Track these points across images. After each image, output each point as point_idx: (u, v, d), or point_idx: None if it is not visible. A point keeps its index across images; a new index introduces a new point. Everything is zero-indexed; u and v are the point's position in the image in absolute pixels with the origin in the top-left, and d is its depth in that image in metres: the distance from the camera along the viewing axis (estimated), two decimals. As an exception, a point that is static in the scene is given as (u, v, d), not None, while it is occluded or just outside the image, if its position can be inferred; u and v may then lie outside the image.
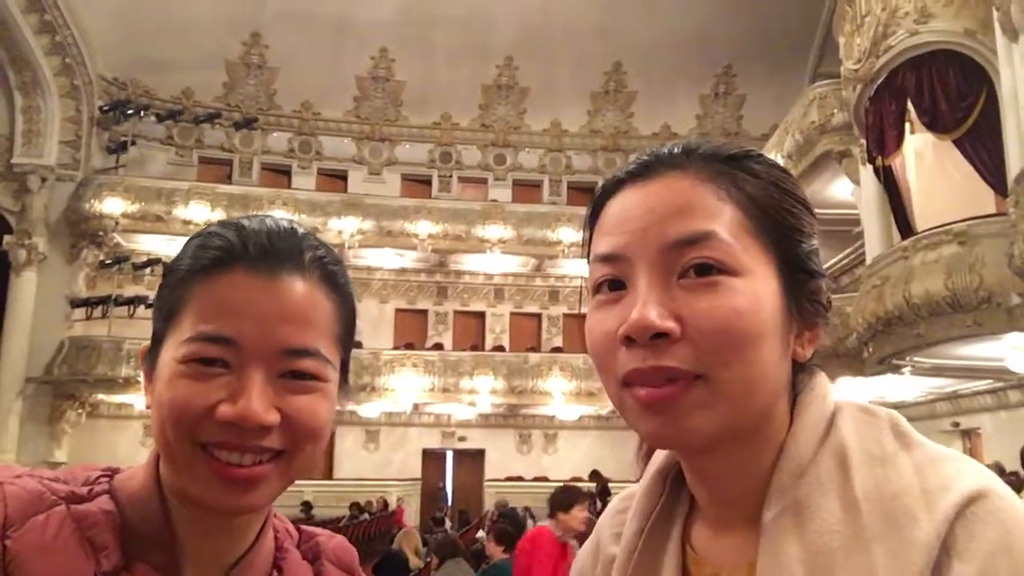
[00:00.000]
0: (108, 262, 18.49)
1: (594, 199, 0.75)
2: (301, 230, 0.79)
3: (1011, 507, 0.59)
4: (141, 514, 0.75)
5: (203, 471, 0.71)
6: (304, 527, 0.92)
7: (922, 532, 0.58)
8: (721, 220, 0.67)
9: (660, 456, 0.79)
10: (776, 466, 0.67)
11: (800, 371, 0.72)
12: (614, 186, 0.73)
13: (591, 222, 0.75)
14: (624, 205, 0.70)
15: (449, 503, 19.53)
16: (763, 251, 0.67)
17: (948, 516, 0.58)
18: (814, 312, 0.70)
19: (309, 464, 0.76)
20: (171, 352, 0.73)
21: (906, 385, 12.52)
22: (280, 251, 0.75)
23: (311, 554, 0.88)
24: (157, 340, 0.77)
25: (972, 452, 13.86)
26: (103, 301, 17.94)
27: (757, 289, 0.65)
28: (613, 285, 0.69)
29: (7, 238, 17.57)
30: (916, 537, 0.58)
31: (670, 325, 0.63)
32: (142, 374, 0.78)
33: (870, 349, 10.69)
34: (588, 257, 0.73)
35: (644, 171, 0.71)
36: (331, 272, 0.79)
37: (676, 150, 0.72)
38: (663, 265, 0.66)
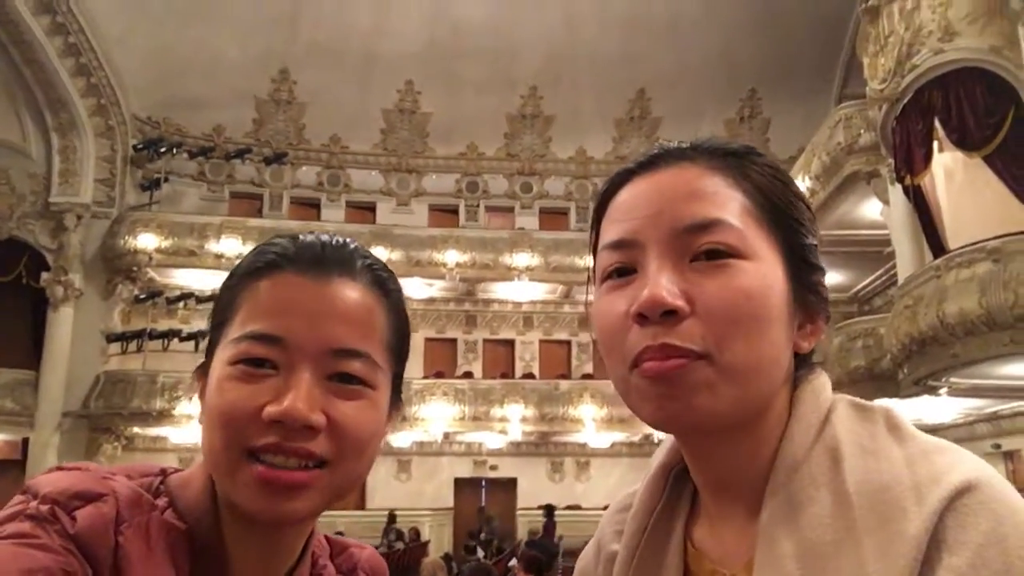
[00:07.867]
0: (142, 297, 18.75)
1: (602, 191, 0.76)
2: (353, 243, 0.80)
3: (1003, 498, 0.58)
4: (198, 527, 0.74)
5: (247, 477, 0.70)
6: (333, 537, 0.91)
7: (911, 525, 0.58)
8: (731, 206, 0.68)
9: (662, 453, 0.80)
10: (774, 463, 0.67)
11: (800, 366, 0.72)
12: (623, 178, 0.75)
13: (599, 214, 0.76)
14: (634, 193, 0.72)
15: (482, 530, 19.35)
16: (769, 239, 0.69)
17: (937, 509, 0.58)
18: (817, 304, 0.71)
19: (350, 483, 0.75)
20: (222, 356, 0.74)
21: (944, 406, 12.26)
22: (331, 257, 0.76)
23: (346, 566, 0.88)
24: (210, 350, 0.77)
25: (1015, 475, 13.52)
26: (138, 335, 18.19)
27: (767, 273, 0.67)
28: (622, 272, 0.70)
29: (44, 275, 17.89)
30: (905, 530, 0.58)
31: (679, 303, 0.65)
32: (197, 391, 0.78)
33: (905, 370, 10.51)
34: (595, 247, 0.75)
35: (653, 162, 0.73)
36: (382, 279, 0.79)
37: (684, 144, 0.74)
38: (675, 248, 0.67)
